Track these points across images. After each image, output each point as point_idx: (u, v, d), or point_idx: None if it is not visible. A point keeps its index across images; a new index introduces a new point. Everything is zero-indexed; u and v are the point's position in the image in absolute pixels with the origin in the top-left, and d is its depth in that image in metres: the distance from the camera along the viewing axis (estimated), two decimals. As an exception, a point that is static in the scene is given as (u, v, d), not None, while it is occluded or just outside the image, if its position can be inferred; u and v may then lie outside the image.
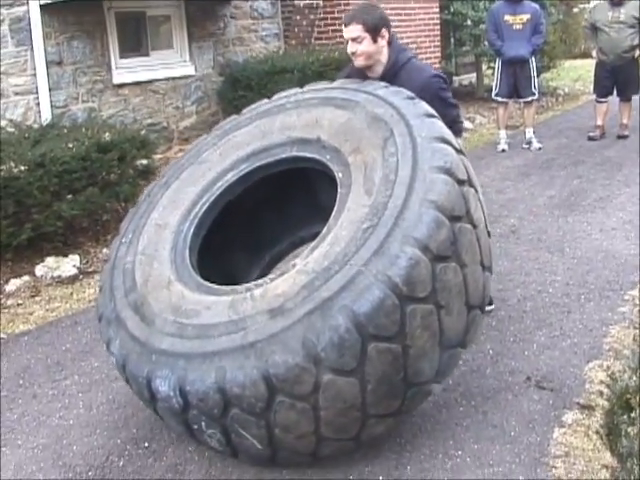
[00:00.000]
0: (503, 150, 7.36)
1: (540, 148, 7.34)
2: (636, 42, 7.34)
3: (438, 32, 9.57)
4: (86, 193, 4.69)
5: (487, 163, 6.82)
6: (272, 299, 2.15)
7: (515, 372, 2.90)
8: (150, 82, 6.98)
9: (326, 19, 8.51)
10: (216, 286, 2.38)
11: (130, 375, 2.29)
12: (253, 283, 2.31)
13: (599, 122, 7.72)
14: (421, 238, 2.11)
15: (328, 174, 2.55)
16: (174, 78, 7.20)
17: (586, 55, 13.16)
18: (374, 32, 2.96)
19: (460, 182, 2.27)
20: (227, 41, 7.71)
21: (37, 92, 6.08)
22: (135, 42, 6.97)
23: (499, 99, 7.48)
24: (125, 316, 2.38)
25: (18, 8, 5.94)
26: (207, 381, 2.08)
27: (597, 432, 2.49)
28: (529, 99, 7.48)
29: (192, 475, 2.38)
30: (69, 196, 4.64)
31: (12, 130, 5.12)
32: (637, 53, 7.44)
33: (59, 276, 4.41)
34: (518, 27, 7.14)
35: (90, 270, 4.53)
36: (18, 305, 4.06)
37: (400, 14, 8.62)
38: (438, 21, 9.56)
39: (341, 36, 9.05)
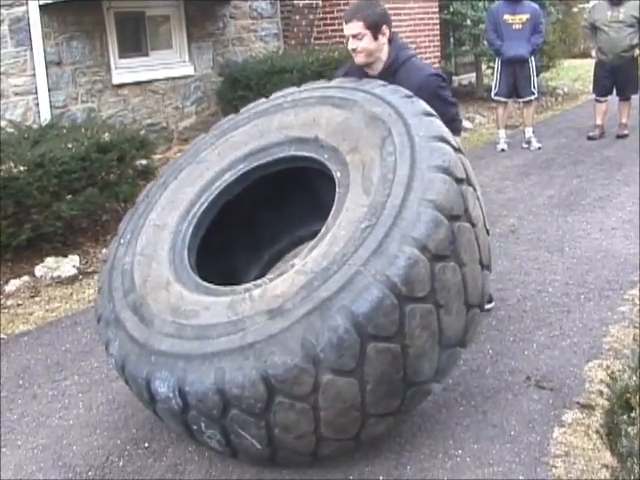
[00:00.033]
0: (502, 150, 7.36)
1: (539, 148, 7.35)
2: (635, 41, 7.35)
3: (437, 32, 9.57)
4: (85, 193, 4.69)
5: (486, 163, 6.82)
6: (271, 300, 2.15)
7: (515, 372, 2.90)
8: (149, 82, 6.98)
9: (325, 19, 8.51)
10: (215, 286, 2.38)
11: (129, 376, 2.29)
12: (252, 283, 2.31)
13: (598, 121, 7.72)
14: (420, 238, 2.10)
15: (327, 173, 2.55)
16: (173, 78, 7.20)
17: (585, 55, 13.17)
18: (375, 29, 2.95)
19: (458, 181, 2.27)
20: (226, 41, 7.71)
21: (36, 92, 6.08)
22: (134, 42, 6.97)
23: (498, 99, 7.48)
24: (124, 317, 2.38)
25: (17, 8, 5.94)
26: (206, 382, 2.08)
27: (597, 431, 2.49)
28: (528, 99, 7.48)
29: (192, 475, 2.38)
30: (68, 196, 4.64)
31: (12, 130, 5.12)
32: (636, 52, 7.45)
33: (59, 276, 4.41)
34: (517, 27, 7.14)
35: (90, 270, 4.53)
36: (18, 305, 4.06)
37: (399, 14, 8.62)
38: (437, 21, 9.56)
39: (341, 36, 9.05)
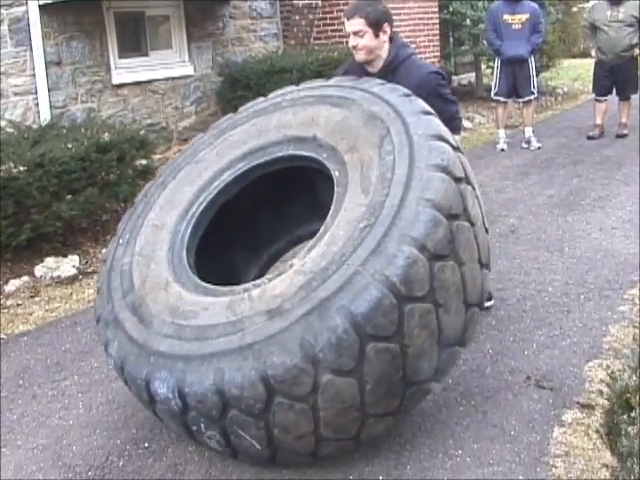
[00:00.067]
0: (502, 149, 7.36)
1: (539, 147, 7.35)
2: (635, 41, 7.35)
3: (437, 31, 9.57)
4: (85, 193, 4.69)
5: (486, 162, 6.82)
6: (270, 300, 2.14)
7: (515, 371, 2.90)
8: (149, 82, 6.98)
9: (325, 19, 8.51)
10: (214, 287, 2.38)
11: (129, 377, 2.29)
12: (251, 283, 2.30)
13: (598, 121, 7.72)
14: (418, 237, 2.10)
15: (326, 172, 2.54)
16: (173, 78, 7.20)
17: (585, 54, 13.17)
18: (376, 26, 2.95)
19: (457, 180, 2.27)
20: (226, 41, 7.71)
21: (36, 92, 6.08)
22: (134, 42, 6.97)
23: (498, 98, 7.48)
24: (123, 318, 2.37)
25: (17, 8, 5.94)
26: (205, 383, 2.08)
27: (597, 431, 2.49)
28: (528, 98, 7.48)
29: (192, 475, 2.38)
30: (68, 196, 4.64)
31: (11, 130, 5.12)
32: (636, 52, 7.45)
33: (58, 276, 4.41)
34: (517, 26, 7.14)
35: (89, 270, 4.53)
36: (18, 305, 4.06)
37: (399, 13, 8.61)
38: (437, 20, 9.56)
39: (340, 36, 9.03)
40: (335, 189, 2.41)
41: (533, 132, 7.53)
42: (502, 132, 7.51)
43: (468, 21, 9.99)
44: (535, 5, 7.28)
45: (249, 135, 2.78)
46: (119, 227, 2.79)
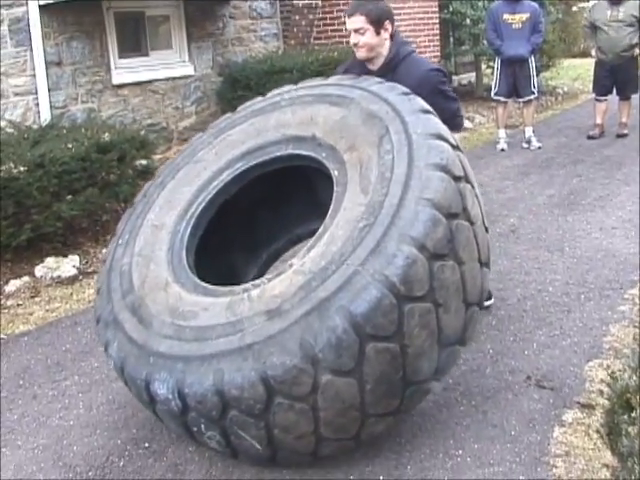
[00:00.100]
0: (502, 149, 7.36)
1: (539, 147, 7.34)
2: (635, 41, 7.35)
3: (437, 31, 9.57)
4: (86, 193, 4.69)
5: (486, 162, 6.82)
6: (269, 300, 2.14)
7: (515, 371, 2.90)
8: (149, 82, 6.98)
9: (325, 19, 8.51)
10: (213, 287, 2.37)
11: (129, 378, 2.29)
12: (250, 284, 2.30)
13: (598, 121, 7.72)
14: (418, 237, 2.10)
15: (325, 172, 2.54)
16: (173, 78, 7.20)
17: (585, 54, 13.17)
18: (377, 24, 2.95)
19: (456, 179, 2.26)
20: (226, 41, 7.71)
21: (36, 93, 6.08)
22: (134, 42, 6.97)
23: (498, 98, 7.48)
24: (123, 318, 2.37)
25: (17, 9, 5.94)
26: (205, 383, 2.07)
27: (597, 431, 2.49)
28: (528, 98, 7.47)
29: (192, 475, 2.38)
30: (69, 196, 4.64)
31: (11, 131, 5.12)
32: (636, 52, 7.45)
33: (59, 276, 4.41)
34: (517, 26, 7.14)
35: (90, 270, 4.53)
36: (18, 306, 4.06)
37: (399, 13, 8.61)
38: (437, 20, 9.56)
39: (340, 36, 9.02)
40: (334, 188, 2.40)
41: (533, 132, 7.53)
42: (502, 132, 7.50)
43: (468, 21, 9.99)
44: (535, 5, 7.28)
45: (248, 135, 2.77)
46: (118, 227, 2.79)
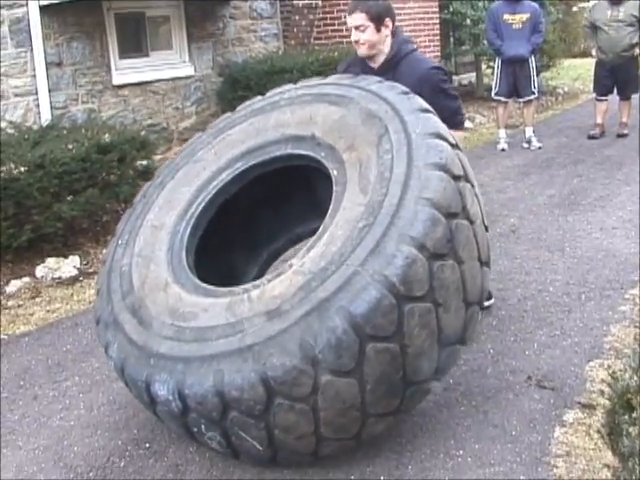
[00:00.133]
0: (503, 149, 7.36)
1: (540, 147, 7.34)
2: (635, 41, 7.35)
3: (437, 31, 9.57)
4: (86, 194, 4.69)
5: (487, 162, 6.82)
6: (269, 301, 2.14)
7: (516, 371, 2.90)
8: (150, 83, 6.98)
9: (325, 19, 8.51)
10: (213, 287, 2.37)
11: (129, 379, 2.29)
12: (250, 284, 2.30)
13: (599, 121, 7.72)
14: (417, 236, 2.09)
15: (324, 171, 2.53)
16: (174, 79, 7.20)
17: (585, 54, 13.16)
18: (378, 21, 2.95)
19: (456, 178, 2.25)
20: (226, 41, 7.71)
21: (37, 93, 6.08)
22: (135, 43, 6.97)
23: (499, 98, 7.48)
24: (123, 319, 2.37)
25: (18, 9, 5.95)
26: (205, 384, 2.07)
27: (598, 431, 2.49)
28: (529, 98, 7.47)
29: (193, 475, 2.38)
30: (69, 197, 4.64)
31: (12, 131, 5.12)
32: (636, 52, 7.45)
33: (59, 277, 4.41)
34: (517, 26, 7.14)
35: (90, 271, 4.53)
36: (18, 306, 4.06)
37: (400, 13, 8.60)
38: (437, 20, 9.56)
39: (341, 36, 9.00)
40: (334, 188, 2.40)
41: (534, 132, 7.53)
42: (503, 132, 7.50)
43: (468, 21, 9.99)
44: (535, 5, 7.28)
45: (247, 134, 2.77)
46: (118, 228, 2.79)
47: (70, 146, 4.72)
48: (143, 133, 5.71)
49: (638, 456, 2.31)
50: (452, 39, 10.79)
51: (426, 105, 2.49)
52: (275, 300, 2.13)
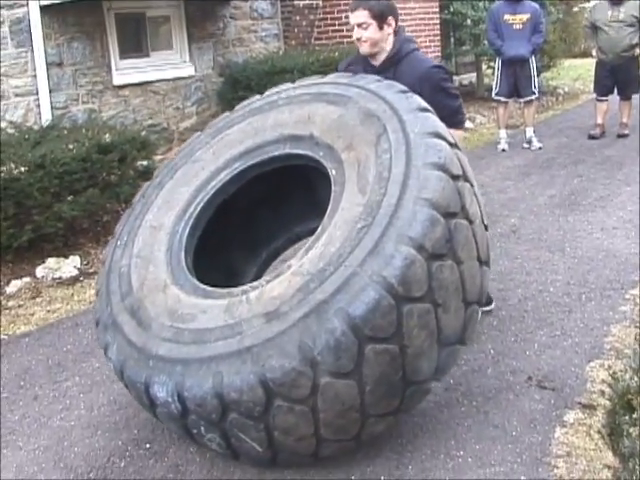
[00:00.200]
0: (503, 150, 7.36)
1: (540, 147, 7.34)
2: (635, 41, 7.34)
3: (438, 32, 9.57)
4: (86, 194, 4.69)
5: (487, 163, 6.81)
6: (268, 302, 2.13)
7: (516, 372, 2.90)
8: (150, 83, 6.98)
9: (326, 19, 8.51)
10: (212, 289, 2.36)
11: (128, 381, 2.29)
12: (249, 285, 2.29)
13: (599, 121, 7.72)
14: (416, 237, 2.09)
15: (323, 171, 2.52)
16: (174, 79, 7.20)
17: (586, 54, 13.16)
18: (380, 19, 2.95)
19: (455, 177, 2.24)
20: (227, 42, 7.71)
21: (37, 93, 6.08)
22: (135, 43, 6.97)
23: (499, 98, 7.48)
24: (122, 321, 2.36)
25: (18, 9, 5.94)
26: (205, 386, 2.07)
27: (599, 432, 2.49)
28: (529, 98, 7.47)
29: (193, 476, 2.38)
30: (69, 197, 4.64)
31: (12, 131, 5.12)
32: (637, 52, 7.45)
33: (60, 277, 4.41)
34: (518, 26, 7.14)
35: (91, 271, 4.53)
36: (19, 306, 4.06)
37: (400, 13, 8.60)
38: (438, 21, 9.56)
39: (341, 36, 8.99)
40: (332, 188, 2.39)
41: (534, 132, 7.53)
42: (503, 132, 7.50)
43: (469, 21, 9.98)
44: (536, 5, 7.28)
45: (246, 134, 2.76)
46: (117, 228, 2.78)
47: (70, 146, 4.72)
48: (144, 133, 5.71)
49: (638, 457, 2.31)
50: (453, 39, 10.79)
51: (425, 104, 2.48)
52: (274, 301, 2.12)
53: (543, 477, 2.25)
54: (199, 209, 2.67)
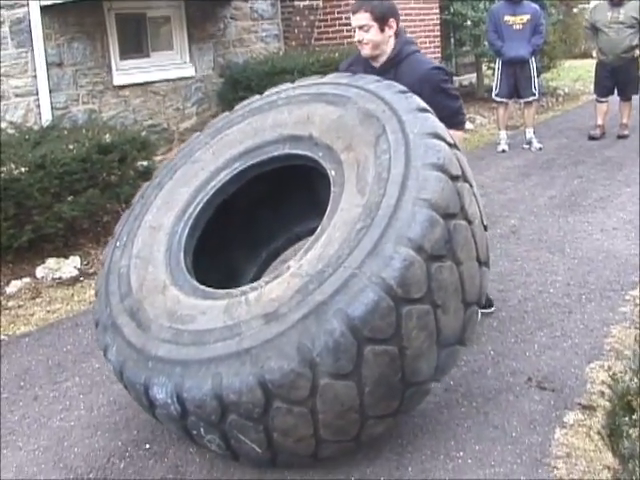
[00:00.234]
0: (503, 150, 7.36)
1: (540, 148, 7.34)
2: (635, 42, 7.35)
3: (438, 32, 9.57)
4: (87, 194, 4.70)
5: (487, 163, 6.82)
6: (267, 304, 2.13)
7: (516, 373, 2.90)
8: (150, 83, 6.98)
9: (326, 20, 8.51)
10: (211, 290, 2.36)
11: (128, 382, 2.28)
12: (248, 286, 2.29)
13: (599, 122, 7.73)
14: (415, 238, 2.08)
15: (322, 171, 2.52)
16: (174, 79, 7.21)
17: (586, 55, 13.18)
18: (382, 22, 2.95)
19: (454, 178, 2.24)
20: (227, 42, 7.72)
21: (37, 94, 6.08)
22: (135, 43, 6.97)
23: (499, 99, 7.48)
24: (121, 322, 2.36)
25: (18, 10, 5.95)
26: (204, 388, 2.07)
27: (599, 433, 2.48)
28: (529, 99, 7.48)
29: (193, 476, 2.38)
30: (70, 197, 4.65)
31: (12, 132, 5.13)
32: (637, 53, 7.45)
33: (60, 277, 4.41)
34: (518, 27, 7.14)
35: (91, 271, 4.53)
36: (19, 307, 4.06)
37: (400, 14, 8.61)
38: (438, 21, 9.56)
39: (341, 37, 8.99)
40: (332, 189, 2.38)
41: (534, 133, 7.53)
42: (503, 133, 7.50)
43: (469, 22, 9.99)
44: (536, 6, 7.28)
45: (245, 134, 2.75)
46: (116, 229, 2.78)
47: (71, 146, 4.72)
48: (144, 134, 5.71)
49: (638, 458, 2.31)
50: (453, 40, 10.79)
51: (424, 104, 2.47)
52: (273, 303, 2.12)
53: (543, 478, 2.25)
54: (198, 209, 2.66)
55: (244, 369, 2.03)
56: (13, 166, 4.39)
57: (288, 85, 2.89)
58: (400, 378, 2.14)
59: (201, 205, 2.68)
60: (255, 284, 2.28)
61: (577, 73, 12.86)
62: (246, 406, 2.05)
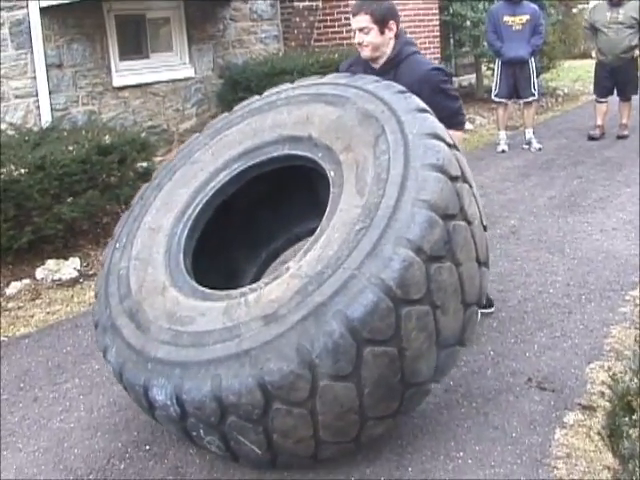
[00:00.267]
0: (503, 151, 7.36)
1: (540, 149, 7.34)
2: (634, 42, 7.35)
3: (437, 33, 9.57)
4: (86, 196, 4.70)
5: (487, 164, 6.82)
6: (266, 305, 2.13)
7: (516, 373, 2.90)
8: (150, 84, 6.98)
9: (325, 21, 8.51)
10: (210, 291, 2.36)
11: (127, 383, 2.28)
12: (247, 288, 2.29)
13: (599, 122, 7.73)
14: (414, 239, 2.08)
15: (322, 172, 2.52)
16: (174, 80, 7.21)
17: (585, 55, 13.17)
18: (382, 23, 2.95)
19: (453, 179, 2.24)
20: (227, 43, 7.72)
21: (37, 95, 6.08)
22: (135, 45, 6.97)
23: (499, 100, 7.48)
24: (121, 324, 2.36)
25: (18, 11, 5.95)
26: (203, 389, 2.07)
27: (599, 433, 2.49)
28: (529, 100, 7.48)
29: (193, 477, 2.38)
30: (69, 199, 4.65)
31: (12, 133, 5.13)
32: (636, 53, 7.45)
33: (59, 279, 4.41)
34: (517, 28, 7.14)
35: (91, 273, 4.53)
36: (19, 308, 4.06)
37: (400, 15, 8.61)
38: (437, 22, 9.56)
39: (341, 38, 8.98)
40: (331, 189, 2.38)
41: (534, 133, 7.53)
42: (503, 133, 7.51)
43: (468, 23, 9.98)
44: (535, 6, 7.28)
45: (244, 135, 2.75)
46: (116, 230, 2.77)
47: (70, 148, 4.72)
48: (143, 135, 5.71)
49: (638, 458, 2.31)
50: (452, 41, 10.78)
51: (423, 105, 2.47)
52: (272, 304, 2.12)
53: (543, 478, 2.25)
54: (198, 210, 2.66)
55: (243, 371, 2.03)
56: (13, 167, 4.39)
57: (287, 85, 2.89)
58: (400, 379, 2.14)
59: (200, 206, 2.67)
60: (254, 285, 2.28)
61: (576, 73, 12.86)
62: (246, 407, 2.05)
